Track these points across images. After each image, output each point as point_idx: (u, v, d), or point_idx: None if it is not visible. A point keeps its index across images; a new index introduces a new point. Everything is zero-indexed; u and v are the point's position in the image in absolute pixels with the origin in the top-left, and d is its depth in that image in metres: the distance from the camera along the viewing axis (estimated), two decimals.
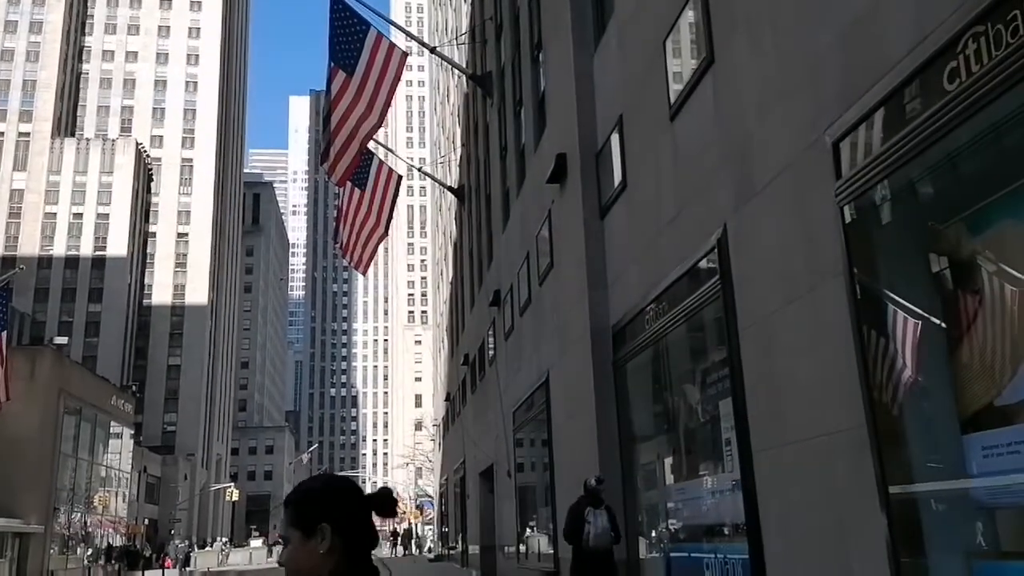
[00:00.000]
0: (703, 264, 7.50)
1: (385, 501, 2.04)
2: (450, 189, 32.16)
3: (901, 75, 4.36)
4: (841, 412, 5.04)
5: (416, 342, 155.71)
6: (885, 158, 4.58)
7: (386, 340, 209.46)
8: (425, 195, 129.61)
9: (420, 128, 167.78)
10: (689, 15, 7.82)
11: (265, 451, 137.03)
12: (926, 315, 4.58)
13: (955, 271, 4.40)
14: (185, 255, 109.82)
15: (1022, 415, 3.87)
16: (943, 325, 4.46)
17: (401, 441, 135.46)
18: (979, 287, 4.17)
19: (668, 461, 9.12)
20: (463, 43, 27.94)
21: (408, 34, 21.65)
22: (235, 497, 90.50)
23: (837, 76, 5.13)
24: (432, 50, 21.70)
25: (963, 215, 4.28)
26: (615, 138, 10.23)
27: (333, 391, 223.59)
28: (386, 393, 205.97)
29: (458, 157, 32.82)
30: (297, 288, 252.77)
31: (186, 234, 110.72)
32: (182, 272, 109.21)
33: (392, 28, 20.87)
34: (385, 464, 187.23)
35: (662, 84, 8.45)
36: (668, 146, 8.40)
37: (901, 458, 4.66)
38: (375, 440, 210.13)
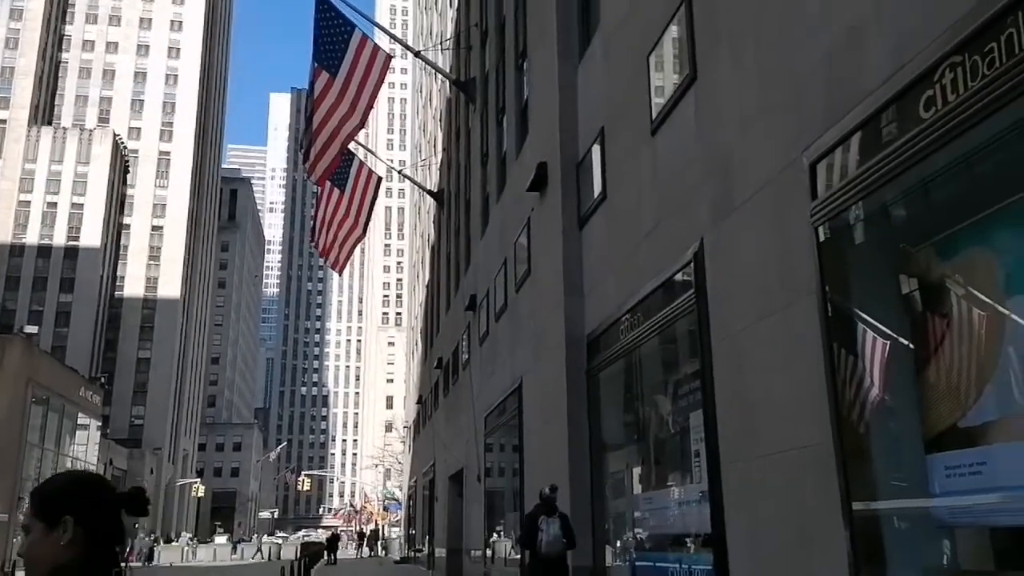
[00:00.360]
0: (679, 277, 7.58)
1: (135, 500, 2.05)
2: (429, 193, 32.16)
3: (879, 101, 4.46)
4: (812, 428, 5.12)
5: (389, 343, 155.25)
6: (860, 181, 4.68)
7: (359, 340, 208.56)
8: (404, 197, 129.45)
9: (401, 130, 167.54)
10: (673, 31, 7.92)
11: (233, 448, 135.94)
12: (895, 335, 4.68)
13: (924, 293, 4.49)
14: (159, 248, 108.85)
15: (984, 437, 3.96)
16: (911, 346, 4.55)
17: (371, 442, 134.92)
18: (947, 310, 4.26)
19: (637, 470, 9.19)
20: (448, 48, 27.97)
21: (393, 37, 21.64)
22: (201, 493, 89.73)
23: (817, 99, 5.23)
24: (416, 54, 21.73)
25: (934, 239, 4.38)
26: (596, 149, 10.30)
27: (304, 390, 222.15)
28: (357, 393, 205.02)
29: (439, 161, 32.82)
30: (271, 285, 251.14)
31: (161, 227, 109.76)
32: (155, 265, 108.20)
33: (376, 30, 20.85)
34: (354, 464, 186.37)
35: (645, 98, 8.53)
36: (649, 159, 8.48)
37: (865, 475, 4.75)
38: (344, 440, 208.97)
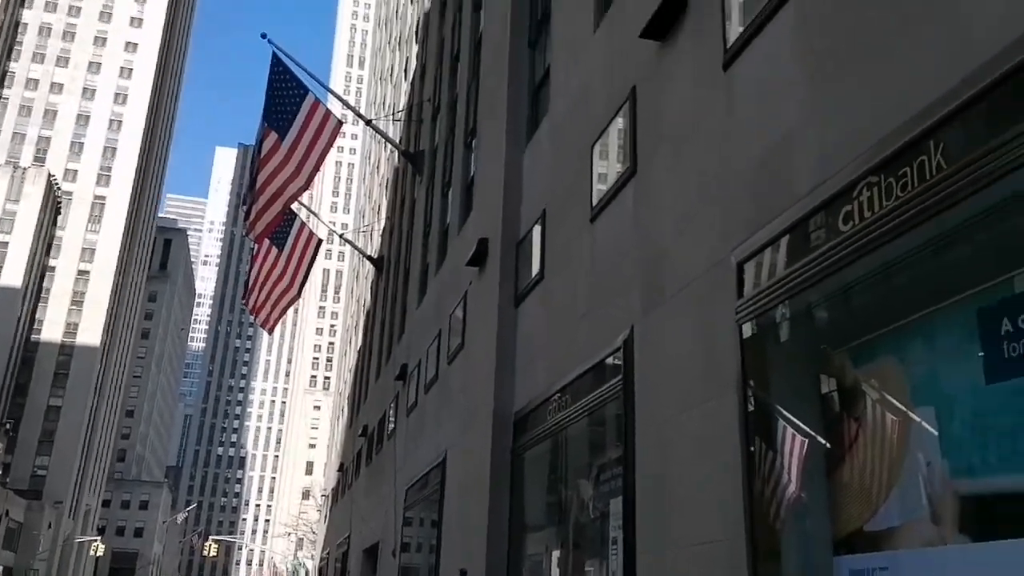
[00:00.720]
0: (608, 362, 7.69)
1: None
2: (369, 258, 32.14)
3: (802, 211, 4.71)
4: (726, 522, 5.19)
5: (315, 407, 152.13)
6: (783, 284, 4.90)
7: (284, 402, 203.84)
8: (343, 260, 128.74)
9: (346, 194, 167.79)
10: (619, 123, 8.22)
11: (139, 506, 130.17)
12: (810, 435, 4.83)
13: (839, 396, 4.67)
14: (83, 293, 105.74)
15: (889, 542, 4.09)
16: (825, 447, 4.70)
17: (286, 509, 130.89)
18: (860, 414, 4.42)
19: (556, 554, 9.13)
20: (399, 119, 28.39)
21: (345, 104, 21.91)
22: (100, 552, 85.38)
23: (748, 202, 5.48)
24: (368, 122, 22.00)
25: (850, 345, 4.58)
26: (537, 230, 10.50)
27: (221, 450, 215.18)
28: (276, 457, 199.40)
29: (381, 228, 32.91)
30: (198, 340, 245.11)
31: (87, 272, 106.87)
32: (77, 310, 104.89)
33: (329, 95, 21.12)
34: (266, 532, 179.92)
35: (586, 186, 8.79)
36: (587, 245, 8.69)
37: (774, 573, 4.83)
38: (258, 505, 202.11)
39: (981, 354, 3.62)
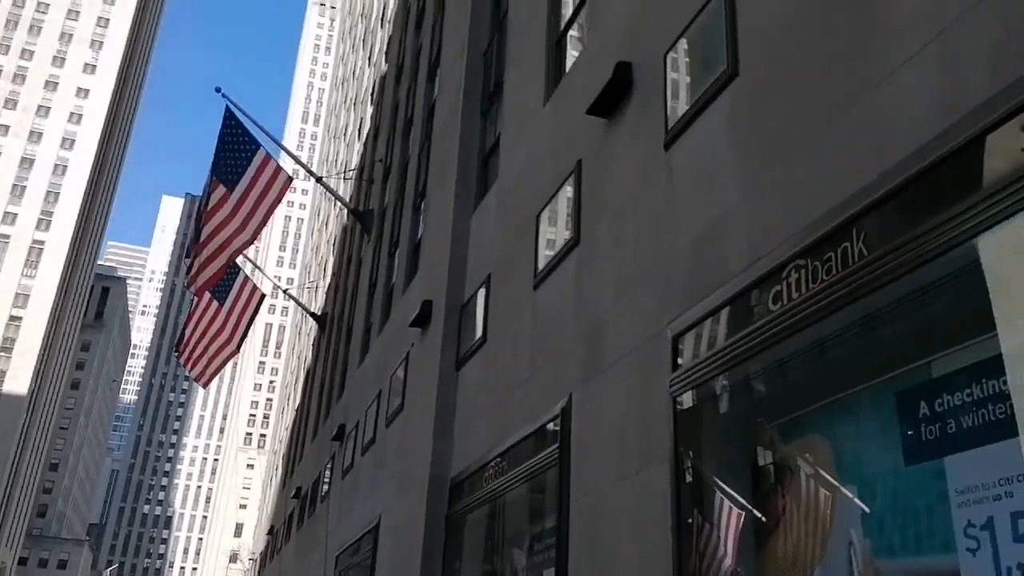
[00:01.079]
0: (547, 429, 7.70)
1: None
2: (312, 315, 31.84)
3: (735, 288, 4.87)
4: None
5: (248, 466, 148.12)
6: (715, 359, 5.02)
7: (216, 460, 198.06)
8: (287, 316, 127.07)
9: (293, 249, 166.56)
10: (566, 193, 8.40)
11: (57, 566, 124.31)
12: (740, 508, 4.88)
13: (768, 471, 4.74)
14: (13, 340, 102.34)
15: None
16: (755, 521, 4.74)
17: (212, 572, 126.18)
18: (788, 490, 4.49)
19: None
20: (350, 178, 28.51)
21: (297, 160, 21.95)
22: None
23: (683, 278, 5.63)
24: (319, 180, 22.06)
25: (780, 421, 4.68)
26: (481, 294, 10.57)
27: (147, 508, 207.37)
28: (205, 517, 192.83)
29: (326, 285, 32.70)
30: (130, 392, 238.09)
31: (19, 318, 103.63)
32: (6, 357, 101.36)
33: (281, 150, 21.15)
34: None
35: (531, 254, 8.91)
36: (529, 312, 8.77)
37: None
38: (183, 568, 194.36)
39: (901, 435, 3.73)
